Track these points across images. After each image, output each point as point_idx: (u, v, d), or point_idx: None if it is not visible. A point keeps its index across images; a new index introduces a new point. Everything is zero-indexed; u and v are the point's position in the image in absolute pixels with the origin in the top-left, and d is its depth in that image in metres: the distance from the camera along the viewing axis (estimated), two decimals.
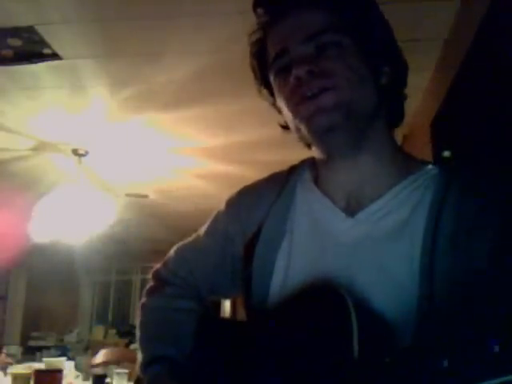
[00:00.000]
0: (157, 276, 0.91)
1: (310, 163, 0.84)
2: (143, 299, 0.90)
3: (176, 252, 0.91)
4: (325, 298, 0.61)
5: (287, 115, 0.74)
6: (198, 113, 2.81)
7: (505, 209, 0.66)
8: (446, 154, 1.96)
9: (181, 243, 0.92)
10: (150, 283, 0.91)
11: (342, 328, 0.56)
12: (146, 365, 0.81)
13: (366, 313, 0.62)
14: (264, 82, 0.79)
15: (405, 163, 0.76)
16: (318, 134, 0.71)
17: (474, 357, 0.46)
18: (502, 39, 1.43)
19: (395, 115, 0.77)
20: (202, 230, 0.90)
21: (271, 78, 0.76)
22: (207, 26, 1.97)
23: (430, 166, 0.75)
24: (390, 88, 0.74)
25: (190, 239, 0.92)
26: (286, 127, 0.79)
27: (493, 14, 1.46)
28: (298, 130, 0.73)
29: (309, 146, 0.79)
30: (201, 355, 0.75)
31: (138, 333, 0.86)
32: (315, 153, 0.79)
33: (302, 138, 0.76)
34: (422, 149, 2.32)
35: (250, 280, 0.77)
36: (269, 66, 0.75)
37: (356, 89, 0.69)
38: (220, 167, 3.69)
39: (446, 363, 0.47)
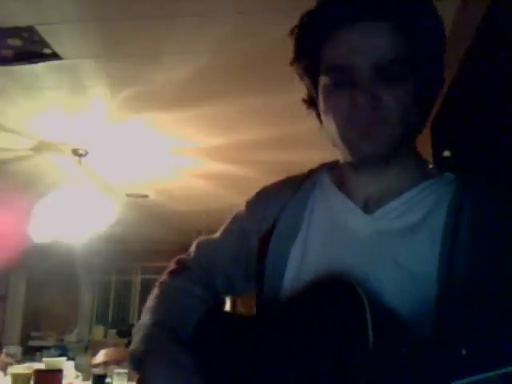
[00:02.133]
0: (179, 261, 0.94)
1: (330, 167, 0.86)
2: (162, 277, 0.91)
3: (197, 245, 0.94)
4: (338, 291, 0.62)
5: (330, 125, 0.74)
6: (198, 113, 2.81)
7: None
8: (446, 153, 1.96)
9: (202, 238, 0.96)
10: (171, 266, 0.93)
11: (356, 321, 0.56)
12: (149, 325, 0.79)
13: (380, 306, 0.63)
14: (306, 67, 0.78)
15: (423, 169, 0.79)
16: (358, 157, 0.73)
17: (493, 344, 0.46)
18: (502, 39, 1.43)
19: (423, 127, 0.80)
20: (221, 228, 0.94)
21: (322, 79, 0.75)
22: (207, 26, 1.97)
23: (447, 174, 0.78)
24: (426, 109, 0.77)
25: (210, 236, 0.95)
26: (309, 103, 0.80)
27: (493, 14, 1.46)
28: (333, 140, 0.75)
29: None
30: (203, 346, 0.75)
31: (149, 302, 0.86)
32: (338, 156, 0.81)
33: (333, 143, 0.77)
34: (422, 149, 2.31)
35: (263, 274, 0.79)
36: (325, 70, 0.74)
37: (405, 127, 0.71)
38: (220, 167, 3.69)
39: (464, 351, 0.47)
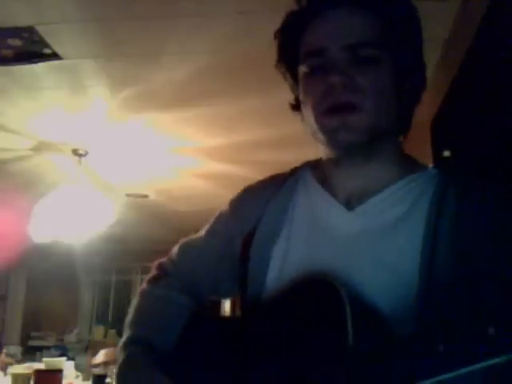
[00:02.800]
0: (160, 267, 0.92)
1: (313, 164, 0.86)
2: (143, 286, 0.91)
3: (180, 248, 0.93)
4: (319, 290, 0.62)
5: (309, 116, 0.75)
6: (197, 113, 2.81)
7: (503, 210, 0.67)
8: (446, 153, 1.96)
9: (185, 240, 0.94)
10: (153, 272, 0.92)
11: (336, 319, 0.57)
12: (127, 343, 0.81)
13: (361, 305, 0.63)
14: (288, 64, 0.80)
15: (407, 165, 0.78)
16: (337, 147, 0.73)
17: (470, 340, 0.47)
18: (502, 39, 1.43)
19: (406, 127, 0.80)
20: (205, 228, 0.92)
21: (301, 70, 0.76)
22: (207, 26, 1.97)
23: (429, 168, 0.78)
24: (408, 105, 0.77)
25: (193, 237, 0.93)
26: (294, 107, 0.81)
27: (493, 13, 1.46)
28: (313, 132, 0.75)
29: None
30: (189, 351, 0.75)
31: (129, 315, 0.87)
32: (321, 152, 0.81)
33: (314, 136, 0.77)
34: (422, 149, 2.31)
35: (246, 276, 0.79)
36: (302, 58, 0.75)
37: (382, 113, 0.71)
38: (220, 167, 3.69)
39: (441, 348, 0.48)
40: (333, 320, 0.58)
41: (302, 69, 0.76)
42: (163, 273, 0.91)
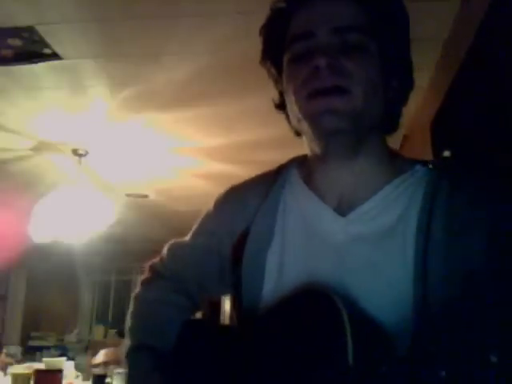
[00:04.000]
0: (152, 269, 0.93)
1: (300, 161, 0.83)
2: (137, 290, 0.91)
3: (169, 248, 0.92)
4: (317, 304, 0.60)
5: (292, 103, 0.72)
6: (197, 113, 2.81)
7: (496, 206, 0.65)
8: (446, 153, 1.96)
9: (174, 241, 0.93)
10: (146, 275, 0.93)
11: (336, 336, 0.55)
12: (130, 351, 0.82)
13: (360, 319, 0.61)
14: (273, 57, 0.78)
15: (397, 164, 0.76)
16: (322, 133, 0.70)
17: (472, 367, 0.45)
18: (502, 39, 1.43)
19: (392, 127, 0.78)
20: (192, 230, 0.91)
21: (285, 58, 0.73)
22: (207, 27, 1.97)
23: (419, 165, 0.75)
24: (394, 103, 0.74)
25: (182, 239, 0.93)
26: (279, 106, 0.79)
27: (493, 13, 1.46)
28: (298, 120, 0.72)
29: (298, 134, 0.78)
30: (184, 361, 0.73)
31: (128, 322, 0.87)
32: (307, 149, 0.78)
33: (297, 129, 0.75)
34: (422, 149, 2.31)
35: (239, 283, 0.76)
36: (286, 46, 0.73)
37: (368, 100, 0.68)
38: (220, 167, 3.69)
39: (443, 373, 0.46)
40: (332, 338, 0.56)
41: (287, 56, 0.73)
42: (155, 275, 0.91)
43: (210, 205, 0.91)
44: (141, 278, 0.94)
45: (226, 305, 6.32)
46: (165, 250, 0.92)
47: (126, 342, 0.83)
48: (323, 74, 0.66)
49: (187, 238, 0.91)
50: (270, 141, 3.08)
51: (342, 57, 0.67)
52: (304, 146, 0.80)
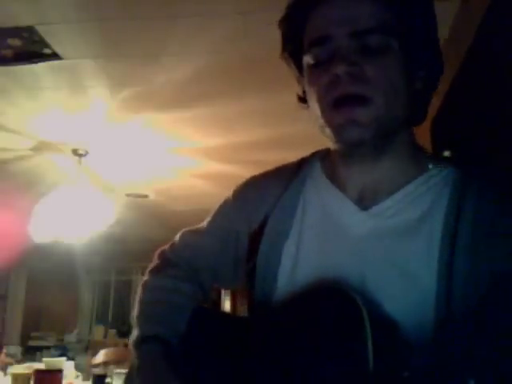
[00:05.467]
0: (162, 256, 0.90)
1: (322, 155, 0.82)
2: (145, 277, 0.88)
3: (181, 236, 0.90)
4: (336, 300, 0.58)
5: (315, 109, 0.70)
6: (197, 113, 2.81)
7: None
8: (446, 153, 1.96)
9: (187, 229, 0.91)
10: (155, 262, 0.90)
11: (356, 336, 0.53)
12: (139, 341, 0.79)
13: (379, 317, 0.59)
14: (292, 54, 0.76)
15: (421, 160, 0.74)
16: (346, 144, 0.69)
17: (504, 376, 0.43)
18: (502, 39, 1.43)
19: (420, 116, 0.76)
20: (208, 217, 0.89)
21: (304, 60, 0.72)
22: (207, 27, 1.97)
23: (444, 163, 0.74)
24: (422, 92, 0.72)
25: (196, 226, 0.91)
26: (302, 99, 0.77)
27: (493, 13, 1.46)
28: (320, 127, 0.71)
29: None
30: (194, 349, 0.72)
31: (136, 310, 0.84)
32: (330, 145, 0.76)
33: (321, 131, 0.73)
34: None
35: (254, 272, 0.76)
36: (305, 48, 0.71)
37: (390, 105, 0.67)
38: (219, 167, 3.69)
39: (472, 383, 0.45)
40: (351, 338, 0.54)
41: (306, 60, 0.71)
42: (166, 262, 0.88)
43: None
44: (150, 265, 0.90)
45: (226, 304, 6.32)
46: (177, 238, 0.90)
47: (134, 331, 0.80)
48: (343, 81, 0.65)
49: (203, 225, 0.89)
50: (269, 141, 3.08)
51: (362, 61, 0.65)
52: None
